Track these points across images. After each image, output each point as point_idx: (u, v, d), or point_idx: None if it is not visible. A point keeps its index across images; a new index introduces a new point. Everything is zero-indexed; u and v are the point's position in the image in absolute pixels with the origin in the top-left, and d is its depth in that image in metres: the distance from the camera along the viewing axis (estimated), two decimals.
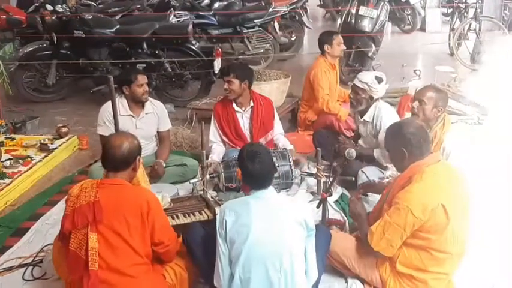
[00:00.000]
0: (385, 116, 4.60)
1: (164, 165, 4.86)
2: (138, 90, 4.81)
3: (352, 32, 8.21)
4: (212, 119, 5.10)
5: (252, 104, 5.03)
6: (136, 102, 4.90)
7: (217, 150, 5.01)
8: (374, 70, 8.33)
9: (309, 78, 6.12)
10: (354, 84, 4.70)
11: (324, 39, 6.16)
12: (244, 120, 5.06)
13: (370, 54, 8.23)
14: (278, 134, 5.24)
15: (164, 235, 3.06)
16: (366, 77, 4.62)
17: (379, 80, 4.60)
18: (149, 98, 5.10)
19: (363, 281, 3.34)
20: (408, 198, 2.99)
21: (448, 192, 3.03)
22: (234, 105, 5.01)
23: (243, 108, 5.04)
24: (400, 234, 3.02)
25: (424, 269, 3.10)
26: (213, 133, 5.09)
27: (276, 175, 4.43)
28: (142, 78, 4.82)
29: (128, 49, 7.46)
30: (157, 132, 5.11)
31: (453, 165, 3.64)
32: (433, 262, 3.08)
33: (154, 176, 4.72)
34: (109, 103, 4.46)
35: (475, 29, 9.77)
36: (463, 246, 3.16)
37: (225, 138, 5.09)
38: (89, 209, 2.91)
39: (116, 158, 3.03)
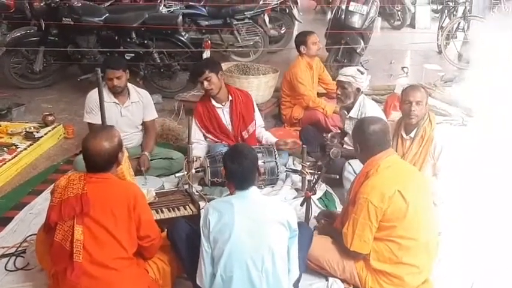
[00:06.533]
0: (369, 112, 4.68)
1: (149, 158, 4.87)
2: (107, 82, 4.83)
3: (342, 27, 8.22)
4: (194, 119, 5.04)
5: (230, 98, 5.04)
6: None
7: (198, 149, 4.92)
8: (362, 66, 8.40)
9: (288, 78, 6.17)
10: (338, 80, 4.81)
11: (299, 40, 6.22)
12: (225, 115, 5.06)
13: (358, 51, 8.24)
14: (259, 127, 5.24)
15: (150, 229, 3.09)
16: (349, 71, 4.78)
17: (361, 71, 4.77)
18: (135, 87, 5.14)
19: (343, 280, 3.40)
20: (366, 191, 3.16)
21: (402, 179, 3.21)
22: (214, 101, 5.00)
23: (223, 104, 5.03)
24: (368, 227, 3.15)
25: (396, 261, 3.18)
26: (194, 133, 4.98)
27: (261, 171, 4.49)
28: (111, 73, 4.79)
29: (116, 38, 7.42)
30: (142, 122, 5.11)
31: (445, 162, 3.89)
32: (402, 252, 3.17)
33: (141, 169, 4.72)
34: (95, 90, 4.48)
35: (463, 28, 9.85)
36: (429, 233, 3.26)
37: (208, 135, 5.08)
38: (77, 201, 2.92)
39: (96, 162, 3.01)
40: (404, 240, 3.16)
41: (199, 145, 5.00)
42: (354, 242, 3.19)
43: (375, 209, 3.11)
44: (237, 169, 2.92)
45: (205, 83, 4.86)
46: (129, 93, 4.98)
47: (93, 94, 4.72)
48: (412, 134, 4.14)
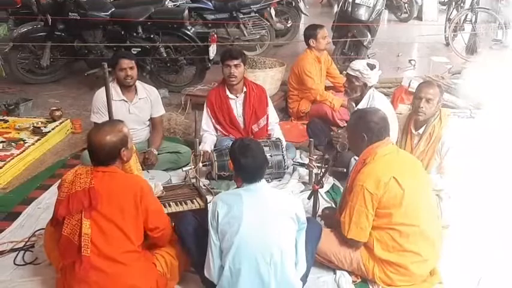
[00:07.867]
0: (378, 105, 4.61)
1: (156, 153, 4.86)
2: (119, 74, 4.79)
3: (349, 20, 8.21)
4: (205, 107, 5.09)
5: (245, 90, 5.04)
6: (122, 86, 4.88)
7: (209, 140, 5.00)
8: (369, 59, 8.37)
9: (295, 71, 6.15)
10: (347, 73, 4.77)
11: (309, 33, 6.19)
12: (237, 106, 5.07)
13: (365, 44, 8.22)
14: (273, 122, 5.22)
15: (158, 220, 3.10)
16: (357, 65, 4.67)
17: (371, 66, 4.66)
18: (143, 83, 5.11)
19: (350, 272, 3.40)
20: (362, 178, 3.20)
21: (398, 167, 3.24)
22: (228, 92, 5.02)
23: (237, 96, 5.04)
24: (365, 214, 3.18)
25: (400, 249, 3.19)
26: (206, 121, 5.07)
27: (268, 165, 4.48)
28: (124, 63, 4.76)
29: (122, 32, 7.41)
30: (150, 118, 5.09)
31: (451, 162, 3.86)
32: (404, 239, 3.18)
33: (148, 164, 4.72)
34: (103, 89, 4.46)
35: (471, 20, 9.78)
36: (429, 220, 3.26)
37: (218, 126, 5.08)
38: (85, 195, 2.94)
39: (98, 155, 3.03)
40: (405, 227, 3.17)
41: (210, 136, 5.03)
42: (350, 229, 3.22)
43: (370, 196, 3.14)
44: (250, 163, 2.91)
45: (233, 68, 4.88)
46: (136, 90, 4.96)
47: (101, 93, 4.69)
48: (420, 131, 4.09)
